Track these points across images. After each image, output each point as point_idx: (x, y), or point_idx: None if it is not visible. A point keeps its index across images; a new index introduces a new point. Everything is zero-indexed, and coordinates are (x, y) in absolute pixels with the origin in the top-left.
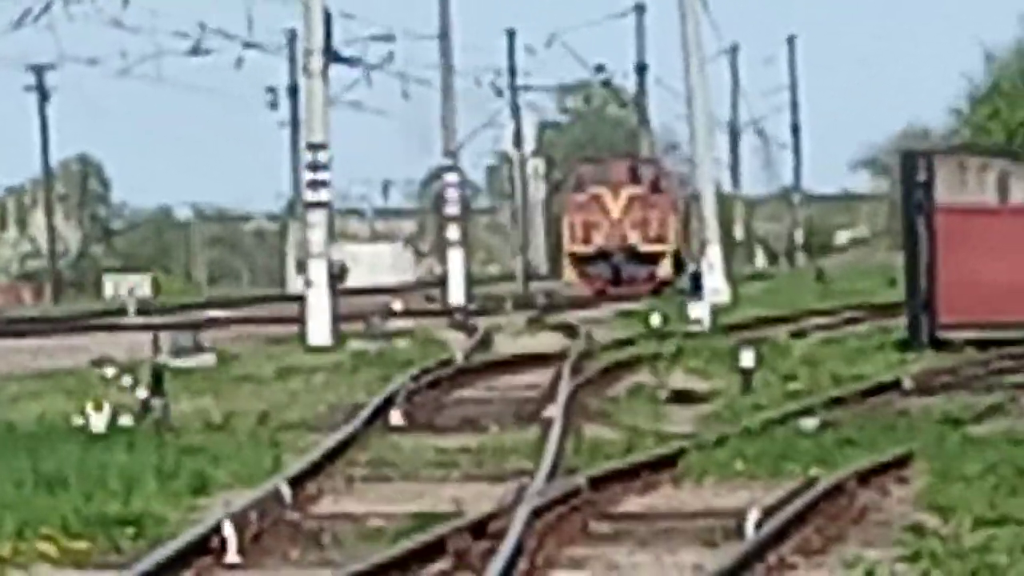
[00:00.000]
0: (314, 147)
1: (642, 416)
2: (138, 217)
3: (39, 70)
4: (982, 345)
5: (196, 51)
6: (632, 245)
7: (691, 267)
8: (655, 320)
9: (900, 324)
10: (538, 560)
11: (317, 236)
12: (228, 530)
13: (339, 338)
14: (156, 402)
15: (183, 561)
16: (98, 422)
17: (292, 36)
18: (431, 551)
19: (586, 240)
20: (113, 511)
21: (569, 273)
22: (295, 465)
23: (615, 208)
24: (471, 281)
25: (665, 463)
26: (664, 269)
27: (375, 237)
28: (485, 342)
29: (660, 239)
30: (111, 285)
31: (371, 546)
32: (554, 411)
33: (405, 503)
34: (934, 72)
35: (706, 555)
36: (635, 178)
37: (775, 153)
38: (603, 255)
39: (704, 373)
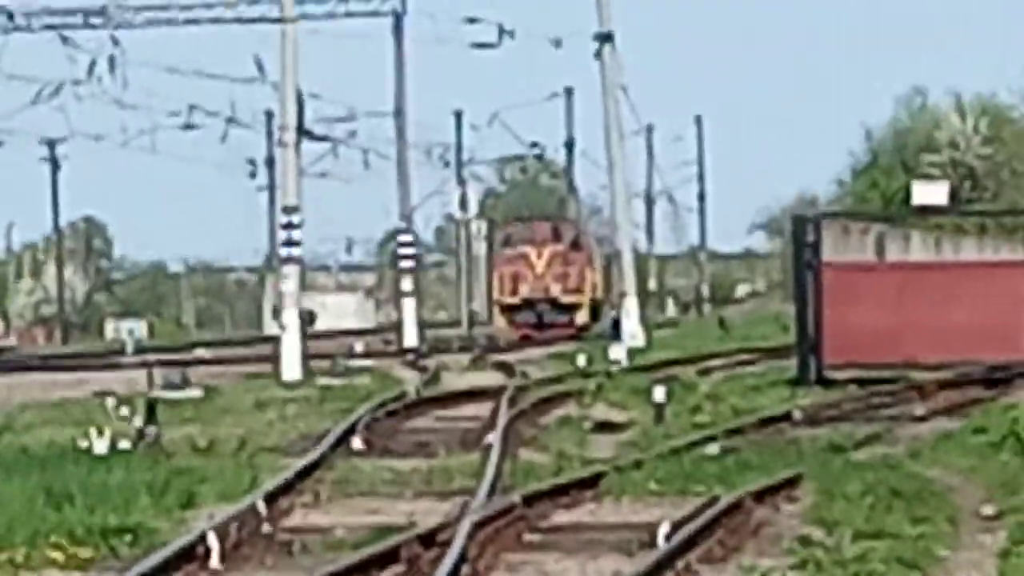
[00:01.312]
0: (288, 210)
1: (569, 443)
2: (136, 269)
3: (51, 143)
4: (862, 383)
5: (187, 127)
6: (554, 296)
7: (611, 314)
8: (581, 360)
9: (791, 364)
10: (479, 566)
11: (290, 287)
12: (212, 540)
13: (308, 375)
14: (150, 429)
15: (173, 566)
16: (100, 446)
17: (269, 115)
18: (387, 558)
19: (513, 291)
20: (113, 523)
21: (498, 320)
22: (270, 484)
23: (539, 263)
24: (423, 326)
25: (589, 483)
26: (582, 316)
27: (340, 288)
28: (434, 378)
29: (578, 290)
30: (112, 328)
31: (336, 554)
32: (493, 438)
33: (365, 517)
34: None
35: (624, 562)
36: (557, 237)
37: (684, 217)
38: (528, 304)
39: (623, 406)
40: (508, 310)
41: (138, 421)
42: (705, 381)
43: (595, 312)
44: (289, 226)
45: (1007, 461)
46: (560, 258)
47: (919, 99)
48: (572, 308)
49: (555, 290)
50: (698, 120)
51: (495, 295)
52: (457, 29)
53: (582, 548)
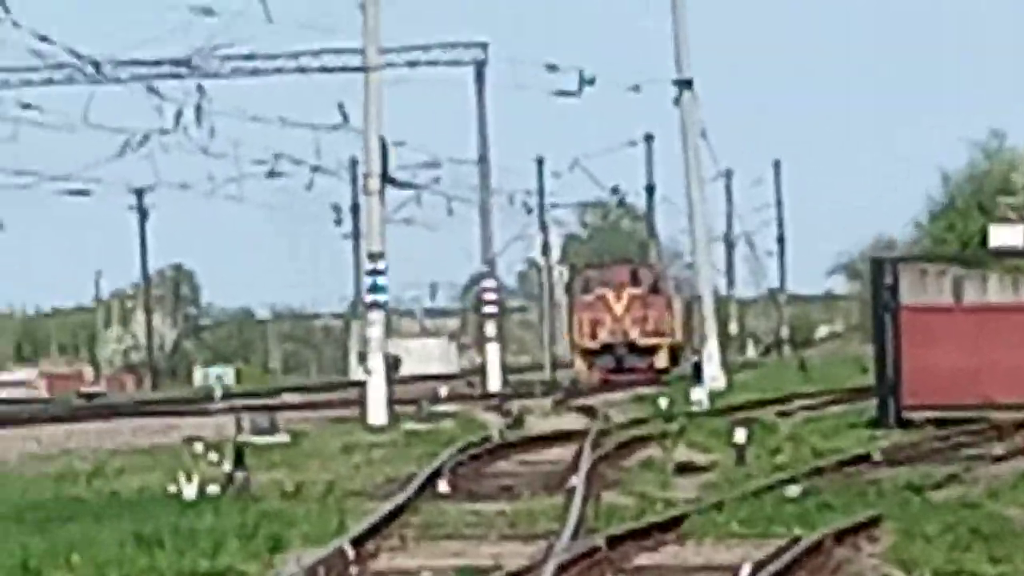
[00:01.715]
0: (373, 256)
1: (652, 485)
2: (223, 316)
3: (139, 192)
4: (940, 423)
5: (272, 174)
6: (633, 339)
7: (693, 358)
8: (663, 403)
9: (870, 405)
10: None
11: (375, 332)
12: None
13: (394, 419)
14: (239, 474)
15: None
16: (189, 491)
17: (353, 162)
18: None
19: (592, 335)
20: (203, 567)
21: (578, 364)
22: (357, 527)
23: (618, 307)
24: (506, 370)
25: (671, 524)
26: (661, 360)
27: (424, 333)
28: (518, 422)
29: (658, 333)
30: (200, 374)
31: None
32: (577, 481)
33: (451, 559)
34: (899, 191)
35: None
36: (635, 280)
37: (763, 260)
38: (607, 348)
39: (704, 448)
40: (588, 354)
41: (227, 466)
42: (785, 423)
43: (674, 355)
44: (374, 272)
45: None
46: (639, 301)
47: (996, 142)
48: (651, 351)
49: (634, 334)
50: (776, 164)
51: (574, 339)
52: (538, 76)
53: None
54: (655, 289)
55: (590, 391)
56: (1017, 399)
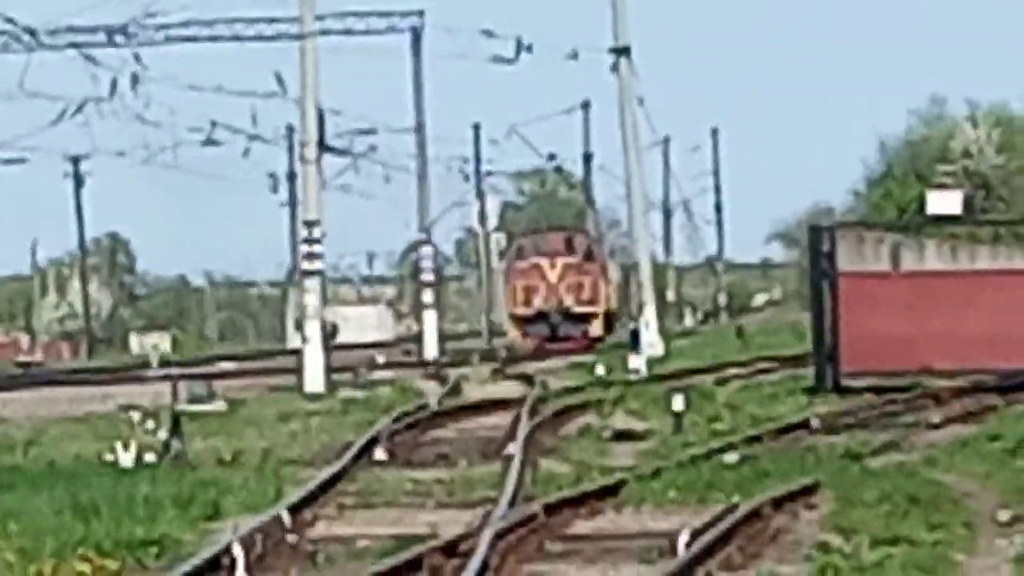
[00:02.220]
0: (309, 224)
1: (589, 452)
2: (159, 284)
3: (75, 160)
4: (878, 391)
5: (209, 142)
6: (567, 307)
7: (630, 325)
8: (600, 370)
9: (808, 373)
10: (501, 575)
11: (312, 300)
12: (237, 551)
13: (331, 387)
14: (175, 442)
15: None
16: (126, 459)
17: (290, 130)
18: (410, 568)
19: (527, 303)
20: (139, 535)
21: (512, 331)
22: (294, 495)
23: (552, 274)
24: (443, 338)
25: (609, 492)
26: (596, 327)
27: (362, 300)
28: (455, 389)
29: (592, 301)
30: (137, 342)
31: (359, 564)
32: (514, 448)
33: (388, 527)
34: (836, 158)
35: (644, 570)
36: (570, 248)
37: (701, 228)
38: (542, 316)
39: (642, 415)
40: (522, 321)
41: (163, 434)
42: (723, 390)
43: (609, 323)
44: (311, 240)
45: (1022, 467)
46: (573, 269)
47: (936, 109)
48: (586, 319)
49: (568, 301)
50: (714, 132)
51: (508, 307)
52: (475, 44)
53: (603, 557)
54: (589, 256)
55: (527, 359)
56: (954, 366)
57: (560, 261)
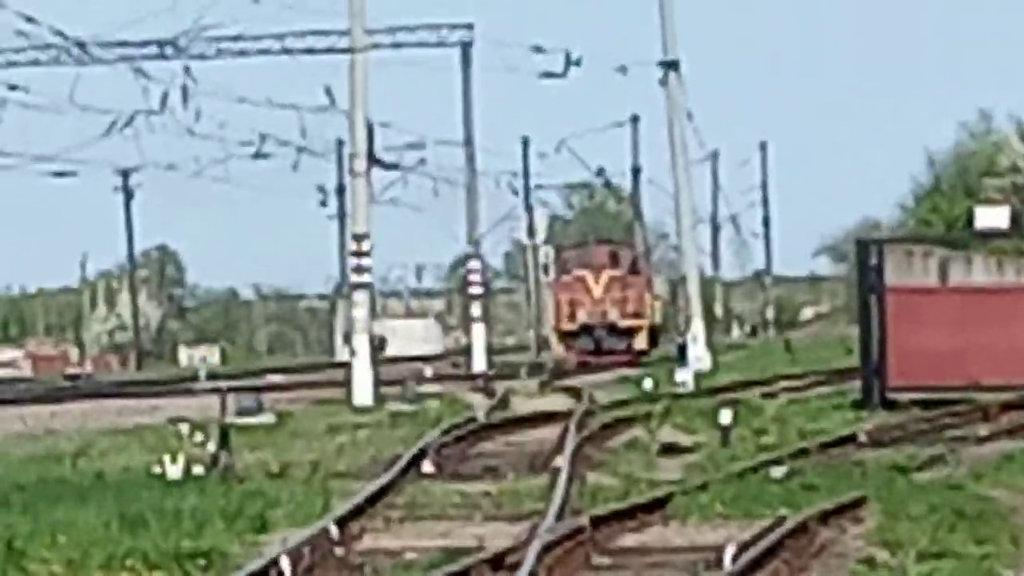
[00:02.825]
0: (358, 237)
1: (636, 466)
2: (209, 297)
3: (125, 173)
4: (925, 405)
5: (258, 156)
6: (612, 321)
7: (678, 339)
8: (647, 384)
9: (856, 387)
10: None
11: (361, 313)
12: (285, 563)
13: (379, 400)
14: (223, 455)
15: None
16: (174, 471)
17: (340, 143)
18: None
19: (571, 317)
20: (187, 547)
21: (556, 346)
22: (342, 507)
23: (596, 288)
24: (491, 351)
25: (656, 505)
26: (641, 342)
27: (410, 313)
28: (503, 403)
29: (637, 315)
30: (185, 355)
31: None
32: (562, 461)
33: (435, 539)
34: (884, 172)
35: None
36: (615, 261)
37: (749, 242)
38: (586, 330)
39: (689, 429)
40: (566, 336)
41: (211, 446)
42: (771, 404)
43: (654, 337)
44: (359, 253)
45: None
46: (618, 283)
47: (983, 124)
48: (631, 333)
49: (613, 315)
50: (763, 146)
51: (552, 321)
52: (524, 58)
53: (649, 570)
54: (634, 269)
55: (575, 372)
56: (1001, 380)
57: (605, 274)
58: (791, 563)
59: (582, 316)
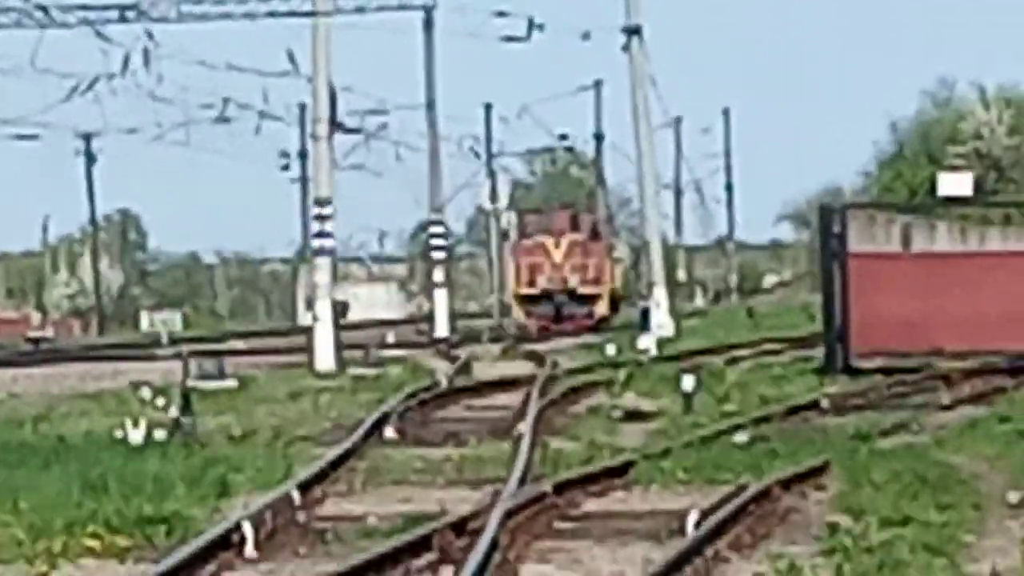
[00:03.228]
0: (320, 202)
1: (599, 431)
2: (170, 261)
3: (86, 137)
4: (888, 372)
5: (221, 120)
6: (572, 287)
7: (641, 305)
8: (610, 350)
9: (818, 353)
10: (510, 554)
11: (323, 278)
12: (247, 528)
13: (341, 365)
14: (185, 419)
15: (208, 555)
16: (136, 436)
17: (302, 108)
18: (419, 546)
19: (531, 282)
20: (148, 512)
21: (516, 312)
22: (304, 473)
23: (557, 253)
24: (454, 316)
25: (618, 472)
26: (601, 308)
27: (372, 279)
28: (465, 368)
29: (597, 281)
30: (147, 320)
31: (369, 542)
32: (524, 427)
33: (397, 505)
34: (847, 139)
35: (653, 549)
36: (575, 226)
37: (712, 208)
38: (546, 295)
39: (651, 395)
40: (526, 301)
41: (174, 411)
42: (733, 370)
43: (615, 304)
44: (321, 218)
45: None
46: (579, 248)
47: (945, 91)
48: (591, 299)
49: (573, 281)
50: (725, 112)
51: (512, 286)
52: (487, 23)
53: (612, 536)
54: (595, 235)
55: (537, 337)
56: (964, 347)
57: (565, 240)
58: (754, 529)
59: (542, 282)
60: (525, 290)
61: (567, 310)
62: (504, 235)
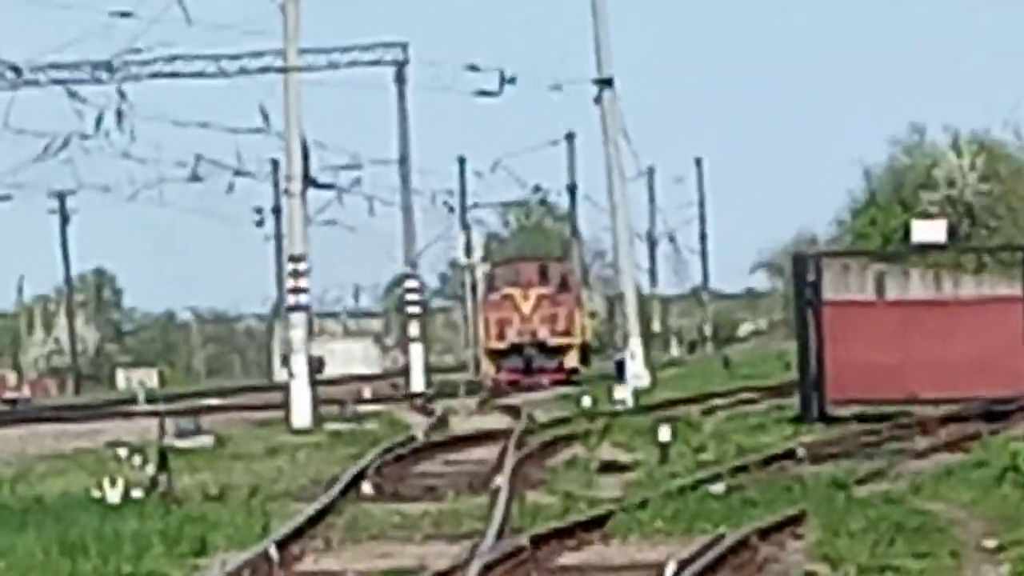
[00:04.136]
0: (295, 258)
1: (576, 484)
2: (146, 320)
3: (60, 196)
4: (864, 419)
5: (194, 178)
6: (542, 340)
7: (616, 356)
8: (586, 401)
9: (794, 402)
10: None
11: (298, 334)
12: None
13: (318, 421)
14: (162, 477)
15: None
16: (113, 495)
17: (275, 165)
18: None
19: (500, 336)
20: (127, 571)
21: (486, 366)
22: (281, 530)
23: (525, 306)
24: (429, 371)
25: (596, 524)
26: (571, 360)
27: (348, 334)
28: (442, 422)
29: (567, 332)
30: (123, 378)
31: None
32: (501, 480)
33: (376, 561)
34: (820, 187)
35: None
36: (544, 278)
37: (686, 258)
38: (516, 349)
39: (628, 446)
40: (495, 355)
41: (150, 469)
42: (709, 420)
43: (585, 354)
44: (296, 274)
45: (1008, 495)
46: (548, 300)
47: (916, 136)
48: (561, 351)
49: (543, 333)
50: (698, 162)
51: (481, 340)
52: (459, 77)
53: None
54: (564, 286)
55: (513, 391)
56: (940, 394)
57: (534, 292)
58: None
59: (511, 335)
60: (494, 344)
61: (537, 363)
62: (472, 288)
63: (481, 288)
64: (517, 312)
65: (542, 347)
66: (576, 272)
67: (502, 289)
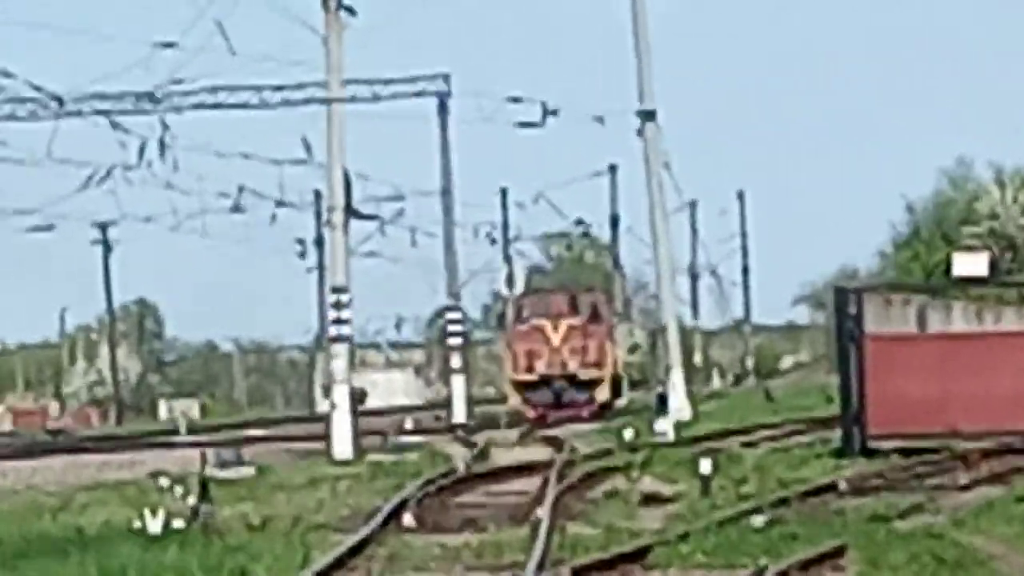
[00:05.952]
0: (337, 290)
1: (617, 516)
2: (188, 350)
3: (103, 227)
4: (906, 453)
5: (236, 208)
6: (572, 372)
7: (658, 388)
8: (627, 434)
9: (836, 435)
10: None
11: (340, 365)
12: None
13: (359, 452)
14: (204, 508)
15: None
16: (154, 526)
17: (317, 195)
18: None
19: (529, 368)
20: None
21: (513, 399)
22: (322, 561)
23: (555, 337)
24: (471, 402)
25: (637, 555)
26: (602, 393)
27: (390, 365)
28: (483, 454)
29: (598, 365)
30: (165, 408)
31: None
32: (542, 512)
33: None
34: (863, 220)
35: None
36: (574, 308)
37: (728, 291)
38: (544, 381)
39: (669, 478)
40: (524, 388)
41: (192, 500)
42: (751, 453)
43: (617, 388)
44: (338, 305)
45: None
46: (578, 331)
47: (963, 170)
48: (591, 384)
49: (573, 365)
50: (741, 195)
51: (509, 372)
52: (501, 109)
53: None
54: (595, 317)
55: (552, 423)
56: (981, 428)
57: (563, 323)
58: None
59: (540, 367)
60: (523, 376)
61: (567, 396)
62: (499, 318)
63: (509, 318)
64: (546, 344)
65: (572, 380)
66: (607, 303)
67: (531, 320)
